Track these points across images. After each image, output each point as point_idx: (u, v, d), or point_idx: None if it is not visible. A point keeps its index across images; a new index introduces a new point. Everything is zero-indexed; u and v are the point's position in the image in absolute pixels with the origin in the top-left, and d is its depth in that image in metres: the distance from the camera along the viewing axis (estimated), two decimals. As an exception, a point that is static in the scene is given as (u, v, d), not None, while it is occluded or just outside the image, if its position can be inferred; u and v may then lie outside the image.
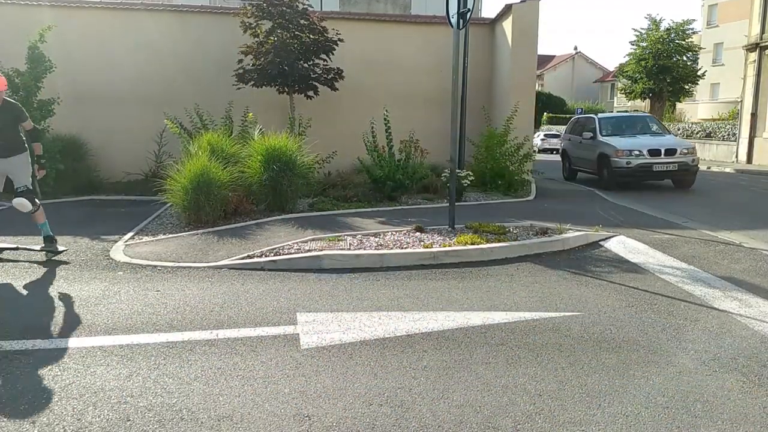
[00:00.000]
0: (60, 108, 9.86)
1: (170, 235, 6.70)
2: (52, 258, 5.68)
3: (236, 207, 7.57)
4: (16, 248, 5.87)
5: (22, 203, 5.43)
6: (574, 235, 6.76)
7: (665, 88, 35.60)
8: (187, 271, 5.32)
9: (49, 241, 5.75)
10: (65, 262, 5.57)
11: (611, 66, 56.58)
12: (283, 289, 4.81)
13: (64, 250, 5.85)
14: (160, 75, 11.69)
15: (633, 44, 36.92)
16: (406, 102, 12.23)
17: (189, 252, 5.93)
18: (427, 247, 5.98)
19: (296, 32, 10.75)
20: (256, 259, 5.61)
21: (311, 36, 10.85)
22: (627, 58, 37.52)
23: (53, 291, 4.66)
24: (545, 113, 44.37)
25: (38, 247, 5.79)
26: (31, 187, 5.61)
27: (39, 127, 9.64)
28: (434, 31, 12.70)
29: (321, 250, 5.78)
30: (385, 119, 9.53)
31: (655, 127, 13.84)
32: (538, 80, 50.58)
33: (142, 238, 6.61)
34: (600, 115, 15.01)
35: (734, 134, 23.45)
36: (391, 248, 5.96)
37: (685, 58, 36.26)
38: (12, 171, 5.55)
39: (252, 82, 10.65)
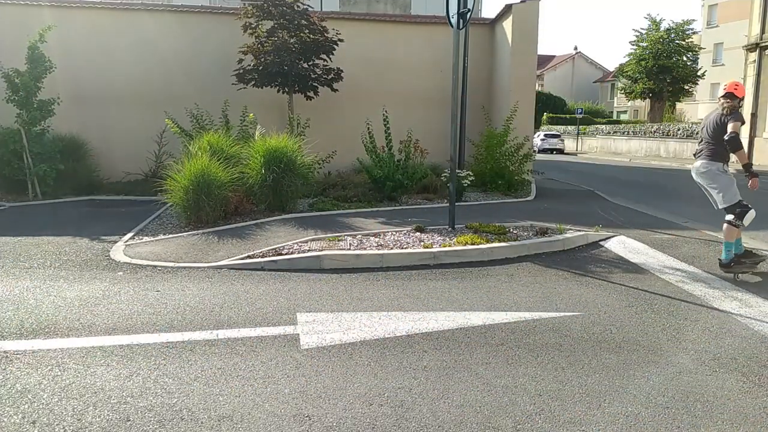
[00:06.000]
0: (60, 108, 9.85)
1: (170, 235, 6.69)
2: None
3: (236, 207, 7.58)
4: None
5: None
6: (574, 235, 6.77)
7: (665, 88, 35.65)
8: (187, 271, 5.32)
9: (742, 257, 5.36)
10: (65, 262, 5.57)
11: (611, 66, 56.76)
12: (283, 289, 4.81)
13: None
14: (160, 75, 11.70)
15: (633, 44, 36.99)
16: (406, 102, 12.23)
17: (189, 252, 5.93)
18: (427, 247, 5.98)
19: (297, 32, 10.75)
20: (256, 259, 5.61)
21: (311, 36, 10.85)
22: (627, 58, 37.61)
23: (53, 291, 4.66)
24: (545, 113, 44.40)
25: None
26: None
27: (45, 131, 9.62)
28: (434, 31, 12.70)
29: (321, 251, 5.78)
30: (384, 119, 9.52)
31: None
32: (538, 80, 50.56)
33: (142, 238, 6.61)
34: None
35: (734, 134, 23.42)
36: (391, 248, 5.96)
37: (685, 59, 36.32)
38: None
39: (252, 82, 10.65)
